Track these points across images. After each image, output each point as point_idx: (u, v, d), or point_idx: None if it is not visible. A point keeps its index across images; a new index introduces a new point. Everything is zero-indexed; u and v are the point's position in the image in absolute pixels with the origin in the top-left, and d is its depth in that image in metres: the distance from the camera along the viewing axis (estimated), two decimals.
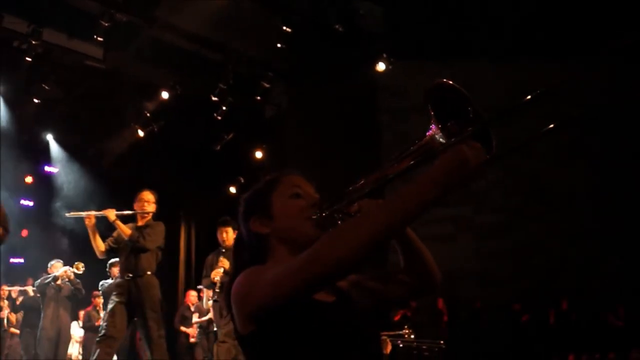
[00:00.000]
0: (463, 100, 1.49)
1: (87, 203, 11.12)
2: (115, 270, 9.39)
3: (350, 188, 1.65)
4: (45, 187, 13.57)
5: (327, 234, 1.45)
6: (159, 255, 6.84)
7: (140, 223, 6.82)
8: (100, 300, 10.63)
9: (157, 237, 6.81)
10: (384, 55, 10.51)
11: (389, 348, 6.34)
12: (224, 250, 7.28)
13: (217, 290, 7.11)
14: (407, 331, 6.69)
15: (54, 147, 13.07)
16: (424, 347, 6.84)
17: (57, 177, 13.42)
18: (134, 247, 6.55)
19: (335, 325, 1.57)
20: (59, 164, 13.33)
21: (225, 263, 7.09)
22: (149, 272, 6.58)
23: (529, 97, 1.34)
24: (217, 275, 7.07)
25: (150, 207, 6.93)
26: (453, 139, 1.41)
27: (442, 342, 6.99)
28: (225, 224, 7.35)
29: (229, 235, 7.30)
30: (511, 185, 11.39)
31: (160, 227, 6.94)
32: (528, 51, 10.74)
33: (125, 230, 6.57)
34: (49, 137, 12.92)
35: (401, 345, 6.67)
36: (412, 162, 1.53)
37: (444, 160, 1.36)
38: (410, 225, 1.53)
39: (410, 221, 1.40)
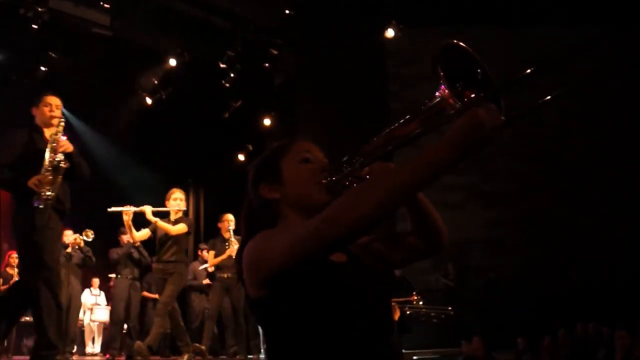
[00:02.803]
0: (472, 63, 1.47)
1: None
2: (125, 238, 9.44)
3: (360, 152, 1.64)
4: None
5: (343, 195, 1.45)
6: None
7: None
8: None
9: None
10: (393, 22, 10.42)
11: (397, 314, 6.37)
12: None
13: None
14: (415, 297, 6.71)
15: (67, 115, 13.06)
16: (432, 314, 6.86)
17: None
18: None
19: (347, 286, 1.57)
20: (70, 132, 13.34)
21: None
22: None
23: (536, 66, 1.32)
24: None
25: None
26: (467, 101, 1.40)
27: (450, 308, 7.00)
28: None
29: None
30: (520, 153, 11.35)
31: None
32: (540, 18, 10.63)
33: None
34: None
35: (409, 312, 6.68)
36: (421, 124, 1.52)
37: (460, 124, 1.34)
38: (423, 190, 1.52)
39: (426, 184, 1.38)
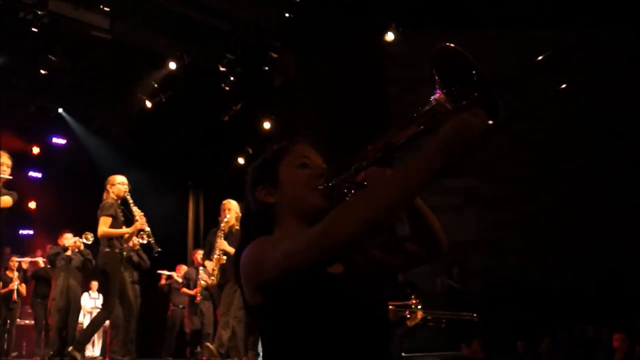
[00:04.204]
0: (468, 65, 1.47)
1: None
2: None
3: (357, 157, 1.64)
4: (54, 158, 13.62)
5: (338, 208, 1.45)
6: None
7: None
8: None
9: None
10: (393, 25, 10.43)
11: (416, 319, 6.35)
12: None
13: None
14: (414, 301, 6.70)
15: (67, 118, 13.10)
16: (429, 317, 6.85)
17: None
18: None
19: (344, 296, 1.56)
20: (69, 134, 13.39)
21: None
22: None
23: (533, 62, 1.32)
24: None
25: None
26: (456, 106, 1.40)
27: (475, 315, 6.98)
28: None
29: None
30: (519, 156, 11.35)
31: None
32: (538, 21, 10.63)
33: None
34: (60, 109, 12.93)
35: (408, 315, 6.67)
36: (417, 129, 1.52)
37: (446, 130, 1.36)
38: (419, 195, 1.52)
39: (418, 192, 1.41)
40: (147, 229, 7.48)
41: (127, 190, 7.24)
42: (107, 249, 6.95)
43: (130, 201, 7.27)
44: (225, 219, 7.21)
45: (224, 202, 7.30)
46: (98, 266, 7.20)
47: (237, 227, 7.18)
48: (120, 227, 7.17)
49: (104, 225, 6.95)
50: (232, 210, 7.28)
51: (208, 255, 7.56)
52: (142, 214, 7.34)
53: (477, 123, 1.34)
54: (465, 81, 1.45)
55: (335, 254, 1.44)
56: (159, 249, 7.79)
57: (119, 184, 7.21)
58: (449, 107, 1.43)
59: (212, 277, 7.35)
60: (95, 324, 7.70)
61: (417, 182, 1.37)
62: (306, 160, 1.72)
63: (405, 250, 1.78)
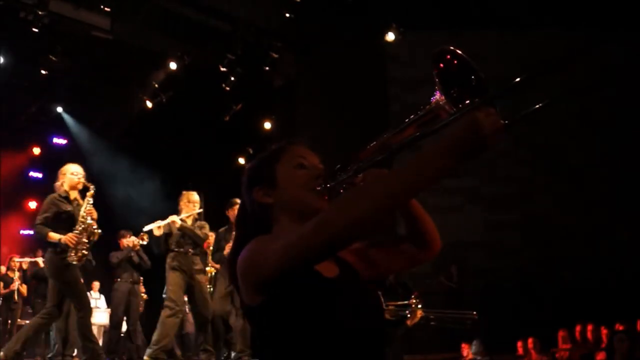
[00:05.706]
0: (466, 68, 1.47)
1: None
2: (125, 242, 9.43)
3: (356, 158, 1.64)
4: (54, 158, 13.62)
5: (338, 198, 1.44)
6: None
7: None
8: None
9: None
10: (394, 25, 10.43)
11: (416, 319, 6.35)
12: None
13: None
14: (414, 301, 6.70)
15: (66, 118, 13.10)
16: (432, 316, 6.85)
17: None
18: None
19: (338, 303, 1.55)
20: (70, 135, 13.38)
21: None
22: None
23: (529, 74, 1.32)
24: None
25: None
26: (462, 106, 1.40)
27: (474, 313, 6.98)
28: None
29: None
30: (520, 156, 11.34)
31: None
32: (539, 21, 10.63)
33: None
34: (59, 109, 12.93)
35: (408, 315, 6.66)
36: (417, 130, 1.52)
37: (457, 128, 1.33)
38: (419, 194, 1.50)
39: (423, 188, 1.37)
40: None
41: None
42: None
43: None
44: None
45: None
46: None
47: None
48: None
49: None
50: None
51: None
52: None
53: (490, 122, 1.32)
54: (464, 85, 1.45)
55: (337, 243, 1.41)
56: None
57: None
58: (447, 109, 1.43)
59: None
60: None
61: (423, 179, 1.35)
62: (303, 161, 1.71)
63: (401, 250, 1.79)
